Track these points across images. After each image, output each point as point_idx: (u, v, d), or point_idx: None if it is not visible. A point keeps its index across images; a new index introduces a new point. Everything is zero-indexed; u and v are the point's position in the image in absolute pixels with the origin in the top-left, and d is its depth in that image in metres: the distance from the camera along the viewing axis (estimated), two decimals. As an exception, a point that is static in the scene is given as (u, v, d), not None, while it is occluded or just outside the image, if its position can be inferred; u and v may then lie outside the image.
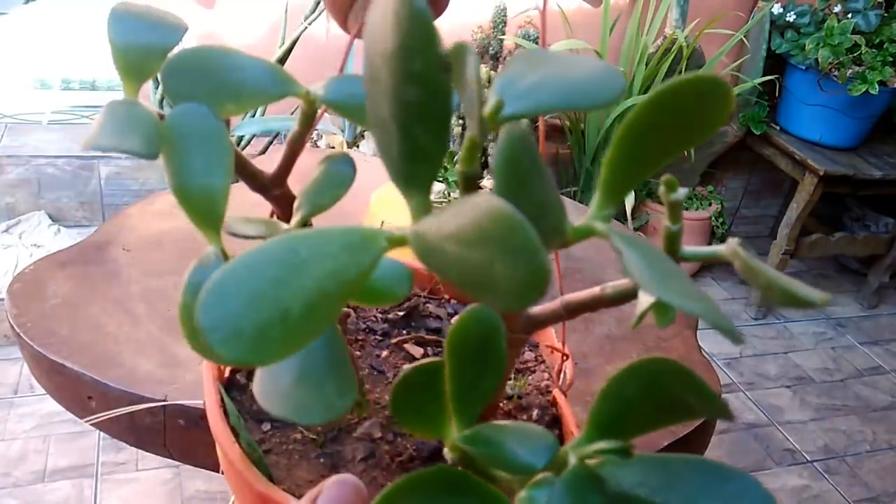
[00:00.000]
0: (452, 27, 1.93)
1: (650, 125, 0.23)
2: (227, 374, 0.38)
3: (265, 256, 0.21)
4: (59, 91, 1.91)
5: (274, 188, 0.34)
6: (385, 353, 0.42)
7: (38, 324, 0.73)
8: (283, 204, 0.35)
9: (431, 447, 0.36)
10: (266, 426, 0.36)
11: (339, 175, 0.34)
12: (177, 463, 1.30)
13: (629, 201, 1.92)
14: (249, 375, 0.39)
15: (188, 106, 0.28)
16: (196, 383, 0.68)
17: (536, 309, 0.30)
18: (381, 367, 0.41)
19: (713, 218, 2.25)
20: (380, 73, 0.22)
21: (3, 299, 1.43)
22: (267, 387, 0.24)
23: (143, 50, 0.30)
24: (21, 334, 0.72)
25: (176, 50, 0.30)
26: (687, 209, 2.12)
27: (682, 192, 0.24)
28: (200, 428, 0.66)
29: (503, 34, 1.92)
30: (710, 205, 2.27)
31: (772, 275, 0.22)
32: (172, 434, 0.68)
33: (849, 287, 2.45)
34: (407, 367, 0.24)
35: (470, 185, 0.25)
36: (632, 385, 0.24)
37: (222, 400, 0.36)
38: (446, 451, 0.26)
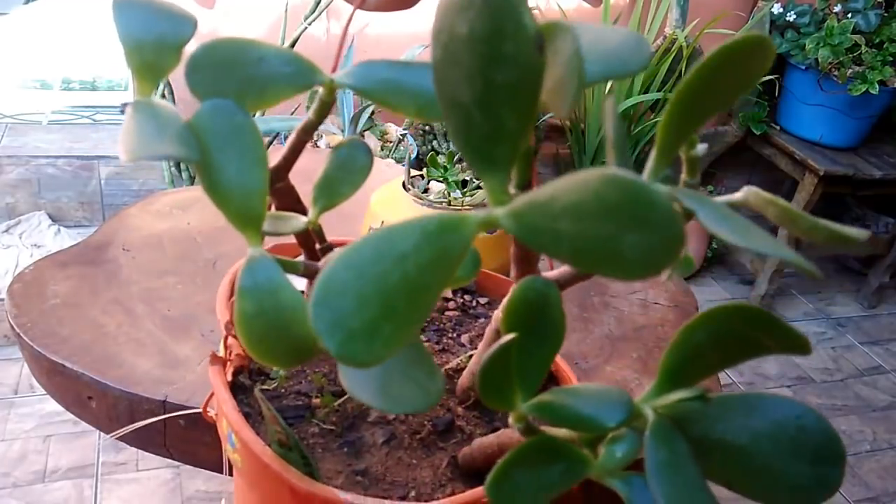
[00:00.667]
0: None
1: (705, 85, 0.24)
2: (230, 378, 0.38)
3: (364, 254, 0.21)
4: (59, 91, 1.91)
5: (276, 180, 0.34)
6: None
7: (38, 324, 0.73)
8: (284, 196, 0.34)
9: (446, 420, 0.37)
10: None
11: (355, 162, 0.33)
12: (177, 463, 1.30)
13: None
14: (252, 376, 0.39)
15: (216, 102, 0.27)
16: (196, 383, 0.68)
17: (553, 273, 0.30)
18: None
19: (713, 218, 2.25)
20: (460, 56, 0.22)
21: (3, 299, 1.43)
22: (359, 382, 0.23)
23: (156, 46, 0.28)
24: (21, 334, 0.72)
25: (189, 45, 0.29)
26: (687, 209, 2.10)
27: (701, 147, 0.25)
28: (200, 428, 0.66)
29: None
30: (710, 205, 2.27)
31: (813, 218, 0.23)
32: (172, 434, 0.67)
33: (849, 287, 2.45)
34: (489, 351, 0.24)
35: (529, 161, 0.25)
36: (702, 332, 0.24)
37: (236, 405, 0.35)
38: (511, 421, 0.27)
